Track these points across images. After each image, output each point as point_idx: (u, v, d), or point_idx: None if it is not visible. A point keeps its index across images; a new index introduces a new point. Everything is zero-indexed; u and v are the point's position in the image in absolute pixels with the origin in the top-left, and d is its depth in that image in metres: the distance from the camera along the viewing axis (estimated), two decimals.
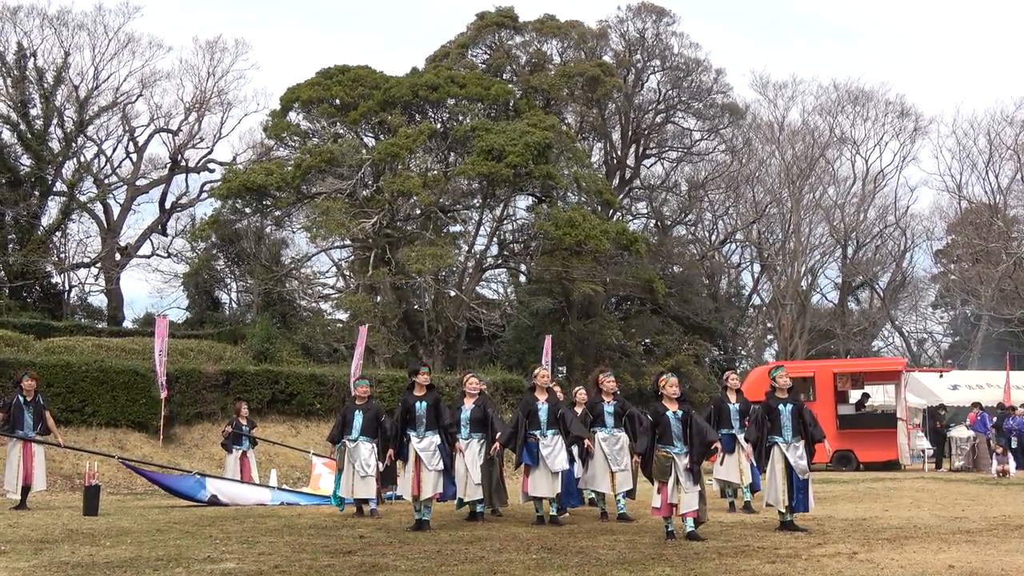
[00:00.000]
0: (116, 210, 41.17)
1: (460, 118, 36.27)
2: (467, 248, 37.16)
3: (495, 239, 38.01)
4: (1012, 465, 21.41)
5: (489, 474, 12.38)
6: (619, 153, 45.94)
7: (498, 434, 11.95)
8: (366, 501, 13.04)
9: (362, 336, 23.61)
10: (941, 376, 29.27)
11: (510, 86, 38.17)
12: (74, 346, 23.50)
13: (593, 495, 12.94)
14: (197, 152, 42.58)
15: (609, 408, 12.41)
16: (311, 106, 36.09)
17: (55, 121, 39.18)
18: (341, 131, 36.08)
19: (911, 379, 27.17)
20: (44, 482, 14.86)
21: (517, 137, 32.50)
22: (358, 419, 12.99)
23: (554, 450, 11.75)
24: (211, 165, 42.54)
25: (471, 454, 11.82)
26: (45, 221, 39.43)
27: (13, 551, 9.14)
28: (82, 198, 39.79)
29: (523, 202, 39.05)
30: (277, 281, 36.03)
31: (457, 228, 37.85)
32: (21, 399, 14.38)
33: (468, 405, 12.00)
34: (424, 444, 11.39)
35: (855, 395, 27.16)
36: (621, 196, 43.59)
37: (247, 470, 17.34)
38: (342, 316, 36.84)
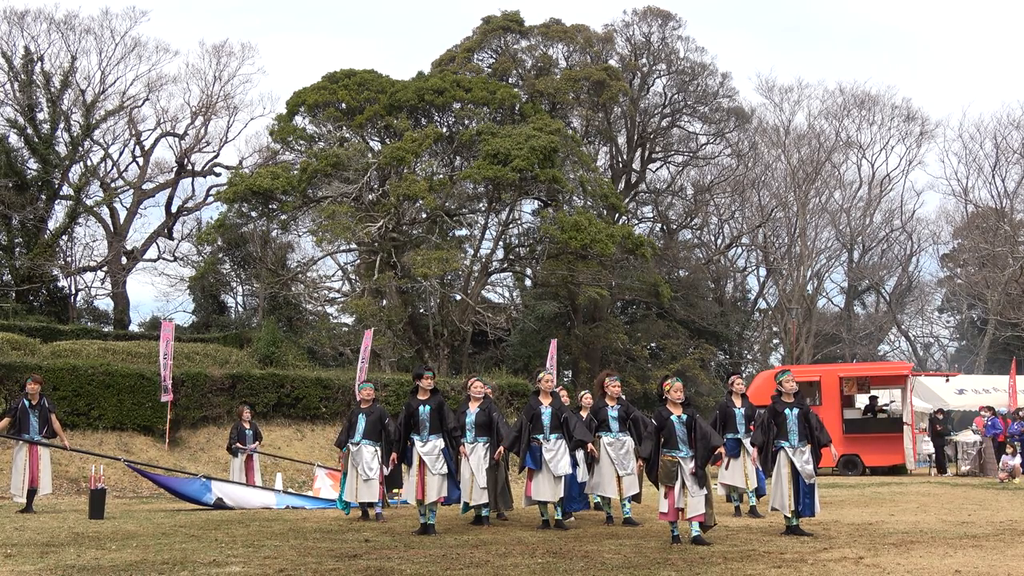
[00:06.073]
0: (123, 214, 41.34)
1: (466, 122, 36.31)
2: (473, 252, 37.19)
3: (501, 243, 38.01)
4: (1018, 460, 21.34)
5: (494, 478, 12.37)
6: (625, 157, 45.94)
7: (503, 438, 11.96)
8: (371, 505, 13.04)
9: (367, 340, 23.64)
10: (947, 380, 29.20)
11: (516, 90, 38.18)
12: (80, 350, 23.53)
13: (599, 499, 12.94)
14: (203, 156, 42.83)
15: (613, 412, 12.39)
16: (317, 110, 36.14)
17: (62, 125, 39.32)
18: (347, 135, 36.12)
19: (917, 383, 27.12)
20: (50, 485, 14.90)
21: (523, 141, 32.51)
22: (361, 422, 13.02)
23: (557, 454, 11.76)
24: (217, 169, 42.70)
25: (476, 458, 11.81)
26: (52, 225, 39.61)
27: (19, 554, 9.16)
28: (88, 202, 39.94)
29: (529, 206, 39.13)
30: (283, 285, 36.08)
31: (463, 232, 37.89)
32: (26, 403, 14.42)
33: (473, 409, 11.99)
34: (428, 448, 11.39)
35: (861, 400, 27.09)
36: (627, 200, 43.57)
37: (251, 473, 17.37)
38: (348, 320, 36.91)
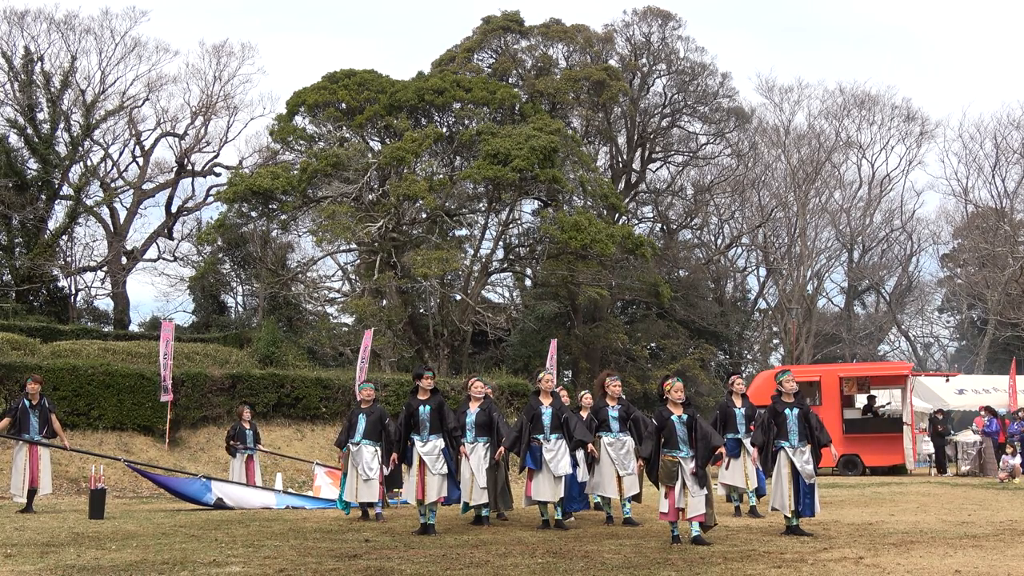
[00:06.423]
0: (123, 214, 41.35)
1: (466, 122, 36.30)
2: (473, 252, 37.19)
3: (501, 243, 38.01)
4: (1018, 460, 21.35)
5: (494, 478, 12.36)
6: (625, 157, 45.93)
7: (503, 438, 11.96)
8: (371, 505, 13.04)
9: (367, 340, 23.64)
10: (947, 380, 29.20)
11: (516, 90, 38.16)
12: (80, 350, 23.53)
13: (599, 499, 12.94)
14: (203, 156, 42.84)
15: (614, 412, 12.40)
16: (317, 110, 36.14)
17: (62, 125, 39.31)
18: (347, 135, 36.11)
19: (917, 383, 27.12)
20: (50, 485, 14.90)
21: (523, 141, 32.51)
22: (362, 422, 13.02)
23: (557, 454, 11.75)
24: (217, 169, 42.70)
25: (476, 458, 11.81)
26: (52, 225, 39.61)
27: (19, 554, 9.16)
28: (89, 202, 39.93)
29: (529, 206, 39.12)
30: (283, 285, 36.07)
31: (463, 232, 37.88)
32: (26, 403, 14.42)
33: (473, 409, 11.99)
34: (428, 448, 11.39)
35: (861, 400, 27.10)
36: (627, 200, 43.56)
37: (251, 474, 17.36)
38: (348, 320, 36.90)
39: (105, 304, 42.84)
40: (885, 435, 25.00)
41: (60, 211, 39.99)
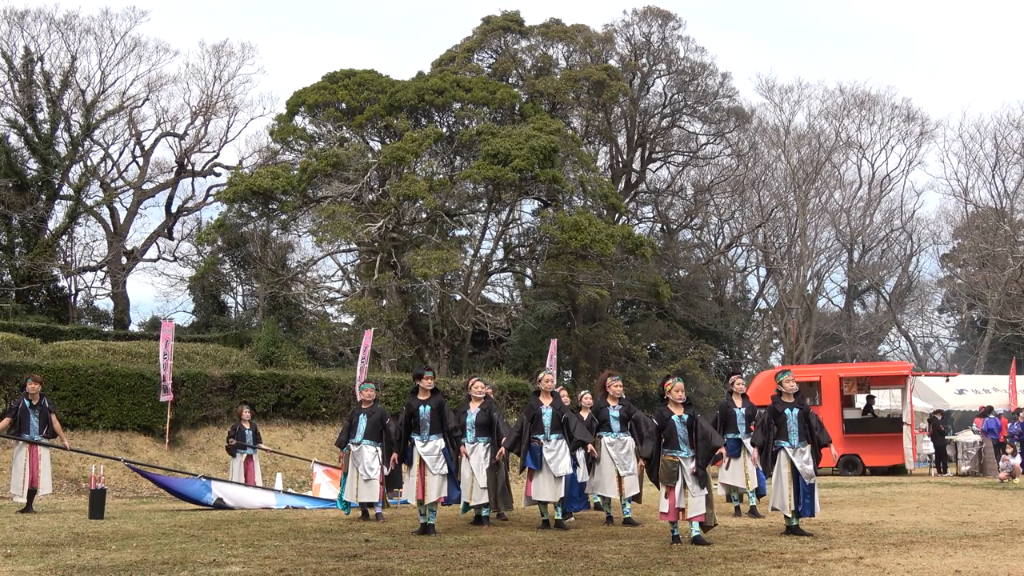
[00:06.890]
0: (123, 214, 41.35)
1: (466, 122, 36.29)
2: (473, 252, 37.18)
3: (501, 243, 38.00)
4: (1018, 460, 21.34)
5: (495, 478, 12.37)
6: (625, 157, 45.92)
7: (503, 438, 11.96)
8: (371, 505, 13.04)
9: (367, 340, 23.63)
10: (947, 380, 29.19)
11: (516, 90, 38.15)
12: (80, 350, 23.52)
13: (599, 499, 12.94)
14: (203, 156, 42.84)
15: (615, 412, 12.40)
16: (317, 110, 36.13)
17: (62, 125, 39.32)
18: (347, 135, 36.11)
19: (917, 383, 27.11)
20: (50, 485, 14.90)
21: (523, 141, 32.50)
22: (362, 423, 13.03)
23: (557, 454, 11.76)
24: (217, 169, 42.71)
25: (477, 458, 11.81)
26: (52, 225, 39.63)
27: (19, 554, 9.16)
28: (89, 202, 39.94)
29: (529, 206, 39.11)
30: (283, 285, 36.07)
31: (463, 232, 37.88)
32: (27, 403, 14.42)
33: (473, 409, 11.99)
34: (428, 448, 11.39)
35: (861, 400, 27.10)
36: (627, 200, 43.55)
37: (251, 473, 17.37)
38: (348, 320, 36.90)
39: (105, 304, 42.92)
40: (885, 435, 25.00)
41: (60, 211, 40.07)
